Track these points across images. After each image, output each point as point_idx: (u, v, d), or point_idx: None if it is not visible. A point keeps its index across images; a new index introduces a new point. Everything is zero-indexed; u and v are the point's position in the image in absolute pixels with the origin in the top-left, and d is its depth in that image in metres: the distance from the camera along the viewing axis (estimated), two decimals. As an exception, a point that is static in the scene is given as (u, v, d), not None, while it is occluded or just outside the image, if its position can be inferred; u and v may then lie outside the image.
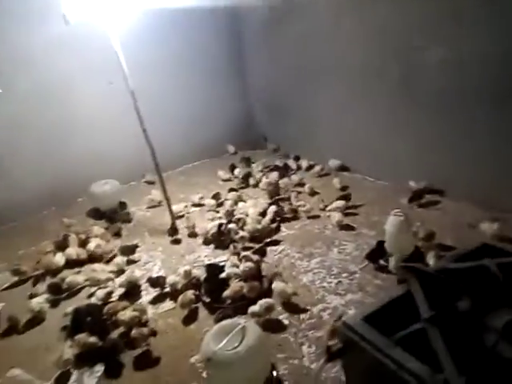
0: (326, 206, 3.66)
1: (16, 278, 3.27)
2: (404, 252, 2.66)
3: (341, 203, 3.59)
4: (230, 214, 3.70)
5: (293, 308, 2.58)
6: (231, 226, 3.44)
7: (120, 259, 3.28)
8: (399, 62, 3.55)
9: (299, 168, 4.70)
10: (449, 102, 3.27)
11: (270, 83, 5.21)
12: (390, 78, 3.66)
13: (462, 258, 1.49)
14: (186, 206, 4.04)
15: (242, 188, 4.44)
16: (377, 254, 2.87)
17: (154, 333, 2.42)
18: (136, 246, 3.46)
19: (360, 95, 4.05)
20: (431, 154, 3.55)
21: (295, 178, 4.39)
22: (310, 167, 4.60)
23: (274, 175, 4.43)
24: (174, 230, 3.69)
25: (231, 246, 3.26)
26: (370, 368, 1.15)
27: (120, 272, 3.15)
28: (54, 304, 2.93)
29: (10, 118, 4.14)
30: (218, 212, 3.91)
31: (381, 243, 2.88)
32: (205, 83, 5.20)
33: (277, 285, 2.65)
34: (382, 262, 2.85)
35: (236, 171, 4.69)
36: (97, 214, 4.24)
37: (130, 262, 3.31)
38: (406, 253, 2.68)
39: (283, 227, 3.56)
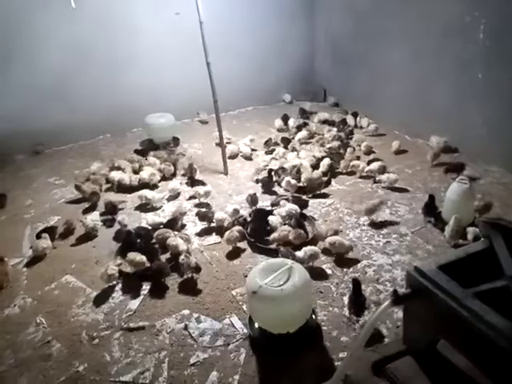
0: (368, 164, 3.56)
1: (73, 196, 3.43)
2: (463, 221, 2.53)
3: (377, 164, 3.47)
4: (281, 161, 3.65)
5: (338, 260, 2.56)
6: (282, 173, 3.40)
7: (171, 187, 3.36)
8: (487, 19, 3.20)
9: (357, 125, 4.51)
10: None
11: (338, 32, 4.92)
12: (475, 38, 3.32)
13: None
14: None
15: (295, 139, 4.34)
16: (430, 208, 2.83)
17: (199, 268, 2.46)
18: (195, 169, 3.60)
19: (435, 56, 3.73)
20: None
21: (352, 134, 4.23)
22: (368, 125, 4.40)
23: (330, 129, 4.29)
24: (224, 170, 3.70)
25: (278, 192, 3.26)
26: (441, 317, 1.09)
27: (170, 199, 3.21)
28: (107, 223, 3.06)
29: (76, 42, 4.18)
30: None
31: (432, 197, 2.85)
32: (274, 22, 5.01)
33: (335, 238, 2.60)
34: (433, 220, 2.80)
35: (290, 121, 4.56)
36: (150, 145, 4.30)
37: (180, 195, 3.39)
38: (465, 222, 2.55)
39: (334, 182, 3.48)
